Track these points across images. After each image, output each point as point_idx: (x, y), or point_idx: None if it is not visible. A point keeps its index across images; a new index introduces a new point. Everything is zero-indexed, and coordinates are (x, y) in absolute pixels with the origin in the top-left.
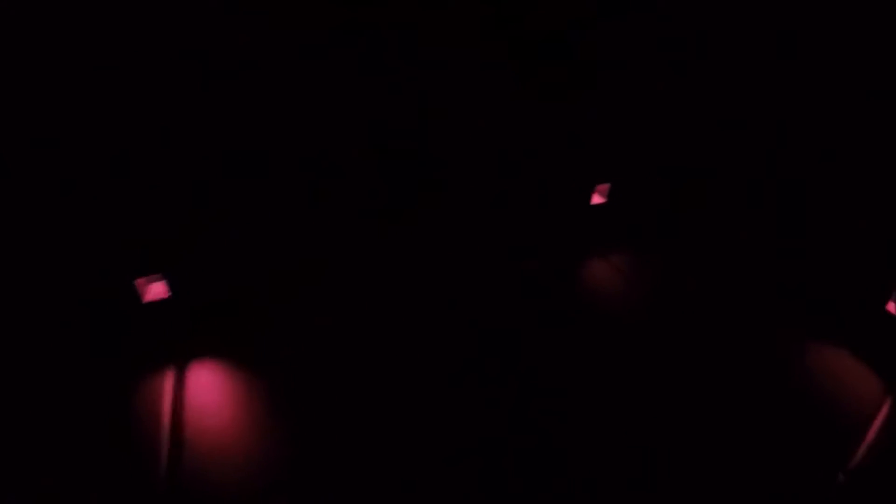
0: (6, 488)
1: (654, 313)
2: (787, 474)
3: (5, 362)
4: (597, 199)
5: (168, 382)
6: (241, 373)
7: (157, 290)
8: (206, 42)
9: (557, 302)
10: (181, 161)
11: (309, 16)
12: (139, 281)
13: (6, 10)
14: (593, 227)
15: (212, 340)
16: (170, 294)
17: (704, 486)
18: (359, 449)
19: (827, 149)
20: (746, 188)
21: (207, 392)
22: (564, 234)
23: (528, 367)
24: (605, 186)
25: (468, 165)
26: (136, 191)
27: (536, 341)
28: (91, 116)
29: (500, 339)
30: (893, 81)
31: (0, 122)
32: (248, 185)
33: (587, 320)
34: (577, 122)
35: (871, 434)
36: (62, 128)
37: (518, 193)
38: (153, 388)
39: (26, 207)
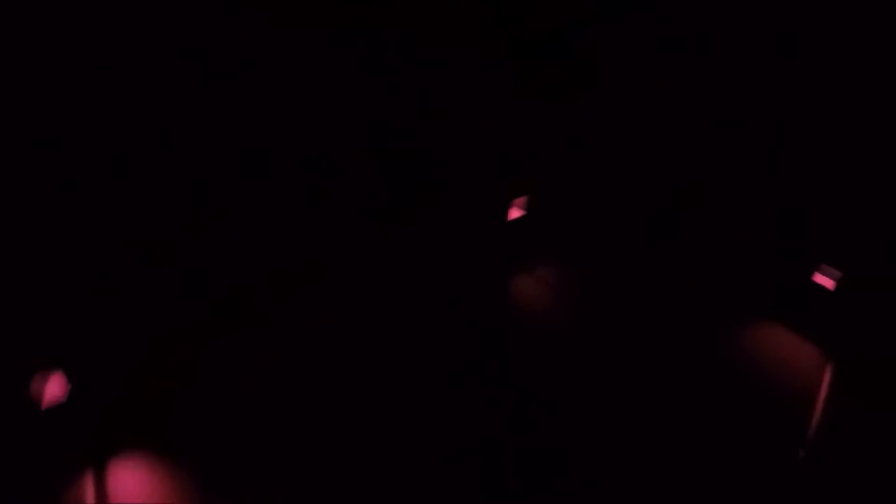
0: None
1: (592, 321)
2: (751, 457)
3: None
4: (515, 214)
5: (88, 489)
6: (165, 464)
7: (56, 388)
8: (206, 42)
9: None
10: (180, 161)
11: (309, 16)
12: (37, 379)
13: (6, 9)
14: (514, 242)
15: (128, 433)
16: (72, 391)
17: (679, 477)
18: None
19: (826, 148)
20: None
21: (132, 491)
22: (484, 249)
23: (519, 369)
24: (523, 199)
25: (468, 165)
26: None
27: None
28: (91, 116)
29: (498, 339)
30: (893, 81)
31: None
32: (247, 185)
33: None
34: (577, 121)
35: (820, 403)
36: (62, 127)
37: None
38: (73, 498)
39: None
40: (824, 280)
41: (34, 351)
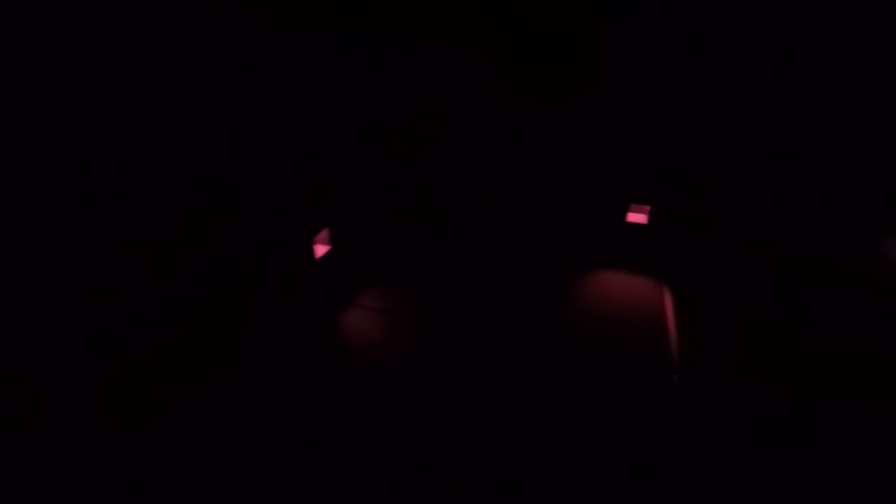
0: None
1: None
2: (631, 400)
3: None
4: (321, 250)
5: None
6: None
7: None
8: (207, 42)
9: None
10: (180, 161)
11: (309, 16)
12: None
13: (6, 10)
14: (327, 280)
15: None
16: None
17: (566, 441)
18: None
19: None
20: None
21: None
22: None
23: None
24: (324, 233)
25: (468, 165)
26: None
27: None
28: (90, 116)
29: (500, 340)
30: (893, 82)
31: None
32: (247, 185)
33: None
34: (577, 122)
35: (671, 324)
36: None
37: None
38: None
39: None
40: (637, 217)
41: None
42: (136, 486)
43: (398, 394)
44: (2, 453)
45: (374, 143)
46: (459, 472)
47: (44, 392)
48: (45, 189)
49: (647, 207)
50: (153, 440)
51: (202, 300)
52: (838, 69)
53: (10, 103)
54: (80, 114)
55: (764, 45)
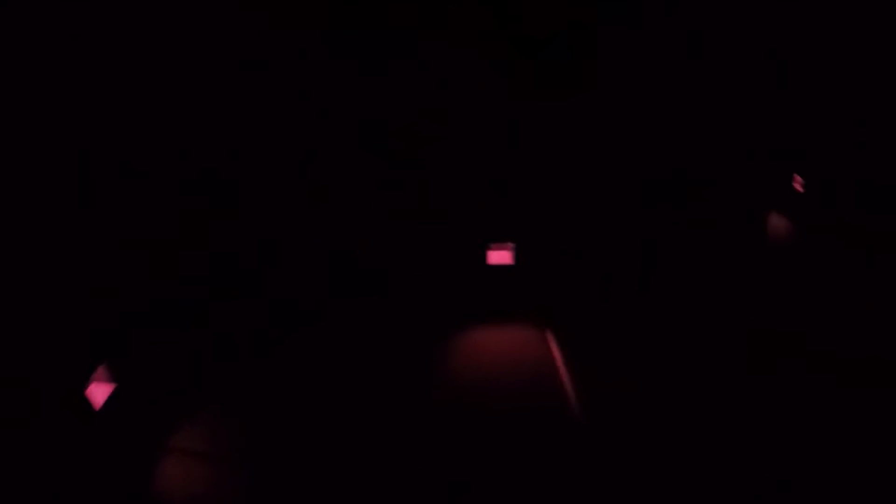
0: None
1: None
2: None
3: None
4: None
5: None
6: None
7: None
8: (207, 42)
9: None
10: (180, 161)
11: (309, 16)
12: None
13: (6, 10)
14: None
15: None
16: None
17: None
18: None
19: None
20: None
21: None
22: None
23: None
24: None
25: (467, 166)
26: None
27: None
28: (90, 117)
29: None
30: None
31: None
32: (247, 184)
33: None
34: (576, 122)
35: (563, 374)
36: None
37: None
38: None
39: None
40: (501, 257)
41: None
42: (136, 486)
43: None
44: (2, 453)
45: (374, 143)
46: None
47: (44, 392)
48: (45, 189)
49: (511, 245)
50: (154, 440)
51: (202, 300)
52: (838, 69)
53: (11, 103)
54: (81, 114)
55: (764, 45)
